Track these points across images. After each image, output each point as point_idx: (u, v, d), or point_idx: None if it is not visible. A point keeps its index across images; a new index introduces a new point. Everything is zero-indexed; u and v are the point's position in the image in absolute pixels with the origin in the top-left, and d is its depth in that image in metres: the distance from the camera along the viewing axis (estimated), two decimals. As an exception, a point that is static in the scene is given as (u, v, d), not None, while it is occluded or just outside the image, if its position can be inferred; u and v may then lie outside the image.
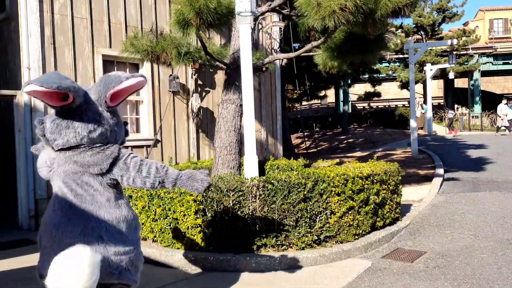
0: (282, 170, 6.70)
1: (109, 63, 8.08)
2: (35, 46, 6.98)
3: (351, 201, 5.13)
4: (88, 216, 2.84)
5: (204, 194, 4.83)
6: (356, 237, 5.22)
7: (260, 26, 9.94)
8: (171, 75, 8.70)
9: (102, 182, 2.91)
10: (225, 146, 6.34)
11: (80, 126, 2.84)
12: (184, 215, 4.90)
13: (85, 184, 2.89)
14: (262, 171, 6.54)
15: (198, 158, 9.17)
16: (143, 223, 5.32)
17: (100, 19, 7.78)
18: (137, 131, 8.52)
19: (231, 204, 4.82)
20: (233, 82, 6.55)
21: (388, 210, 5.81)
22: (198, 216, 4.81)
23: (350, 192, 5.11)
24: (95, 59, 7.68)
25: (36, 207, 7.00)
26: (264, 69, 7.39)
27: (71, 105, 2.77)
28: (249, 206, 4.84)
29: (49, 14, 7.12)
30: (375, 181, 5.51)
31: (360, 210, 5.25)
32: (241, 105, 6.41)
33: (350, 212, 5.13)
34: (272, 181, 4.89)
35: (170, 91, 8.75)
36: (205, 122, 9.38)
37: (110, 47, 7.90)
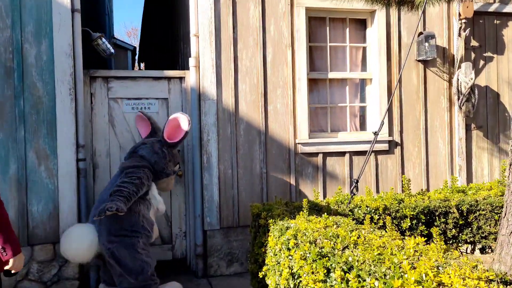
0: None
1: (317, 22, 5.17)
2: (205, 3, 4.68)
3: None
4: (101, 202, 3.74)
5: None
6: None
7: None
8: (421, 33, 5.15)
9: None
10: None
11: (139, 141, 4.28)
12: None
13: (114, 181, 3.90)
14: None
15: (469, 178, 5.30)
16: None
17: (304, -47, 4.94)
18: (361, 127, 5.34)
19: None
20: None
21: None
22: None
23: None
24: (294, 16, 4.90)
25: (205, 242, 4.73)
26: None
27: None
28: None
29: (225, -48, 4.74)
30: None
31: None
32: None
33: None
34: None
35: (419, 60, 5.22)
36: (483, 112, 5.42)
37: (319, -5, 4.98)
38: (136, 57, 17.93)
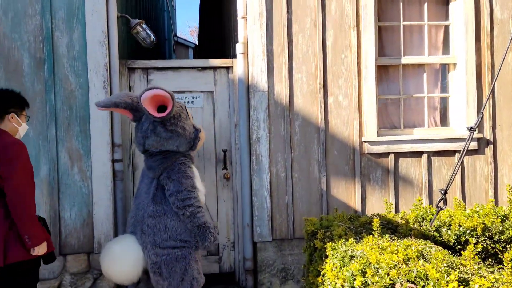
0: None
1: (388, -3, 4.36)
2: (255, -20, 4.05)
3: None
4: (140, 209, 3.15)
5: None
6: None
7: None
8: (519, 5, 4.18)
9: (158, 183, 3.13)
10: None
11: (138, 136, 3.20)
12: None
13: (147, 181, 3.20)
14: None
15: None
16: None
17: None
18: (442, 123, 4.45)
19: None
20: None
21: None
22: None
23: None
24: (360, -9, 4.14)
25: (255, 255, 4.12)
26: None
27: (134, 119, 3.25)
28: None
29: None
30: None
31: None
32: None
33: None
34: None
35: (517, 39, 4.24)
36: None
37: (390, -36, 4.17)
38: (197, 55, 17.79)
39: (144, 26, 4.28)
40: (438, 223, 2.63)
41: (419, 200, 3.08)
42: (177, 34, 19.18)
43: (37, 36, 3.76)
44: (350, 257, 2.04)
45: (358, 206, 4.09)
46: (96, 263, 3.85)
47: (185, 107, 3.33)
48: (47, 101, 3.77)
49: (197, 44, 18.38)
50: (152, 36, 4.31)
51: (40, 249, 2.59)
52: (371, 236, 2.15)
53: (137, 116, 3.19)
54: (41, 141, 3.77)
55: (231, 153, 4.22)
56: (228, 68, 4.24)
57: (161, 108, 3.12)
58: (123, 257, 3.03)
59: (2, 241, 2.49)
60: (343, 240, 2.27)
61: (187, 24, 40.09)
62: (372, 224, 2.34)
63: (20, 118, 2.75)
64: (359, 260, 1.90)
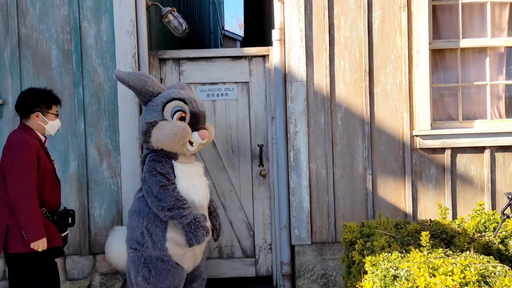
0: None
1: (444, -28, 3.86)
2: (292, -42, 3.69)
3: None
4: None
5: None
6: None
7: None
8: None
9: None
10: None
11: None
12: None
13: None
14: None
15: None
16: None
17: None
18: (508, 114, 3.88)
19: None
20: None
21: None
22: None
23: None
24: (411, -34, 3.67)
25: (293, 259, 3.80)
26: None
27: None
28: None
29: None
30: None
31: None
32: None
33: None
34: None
35: None
36: None
37: None
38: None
39: (176, 14, 4.04)
40: (504, 233, 2.20)
41: (480, 205, 2.63)
42: (225, 27, 19.08)
43: (64, 27, 3.63)
44: (392, 277, 1.68)
45: (408, 208, 3.66)
46: (125, 263, 3.69)
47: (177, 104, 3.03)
48: (75, 95, 3.64)
49: (243, 36, 18.17)
50: (184, 25, 4.07)
51: (40, 245, 2.62)
52: (419, 254, 1.77)
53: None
54: (70, 136, 3.64)
55: (268, 148, 3.92)
56: (264, 57, 3.92)
57: None
58: (111, 245, 3.22)
59: (4, 229, 2.61)
60: (386, 253, 1.91)
61: (235, 17, 40.01)
62: (421, 234, 1.96)
63: (47, 116, 2.81)
64: (404, 284, 1.54)
